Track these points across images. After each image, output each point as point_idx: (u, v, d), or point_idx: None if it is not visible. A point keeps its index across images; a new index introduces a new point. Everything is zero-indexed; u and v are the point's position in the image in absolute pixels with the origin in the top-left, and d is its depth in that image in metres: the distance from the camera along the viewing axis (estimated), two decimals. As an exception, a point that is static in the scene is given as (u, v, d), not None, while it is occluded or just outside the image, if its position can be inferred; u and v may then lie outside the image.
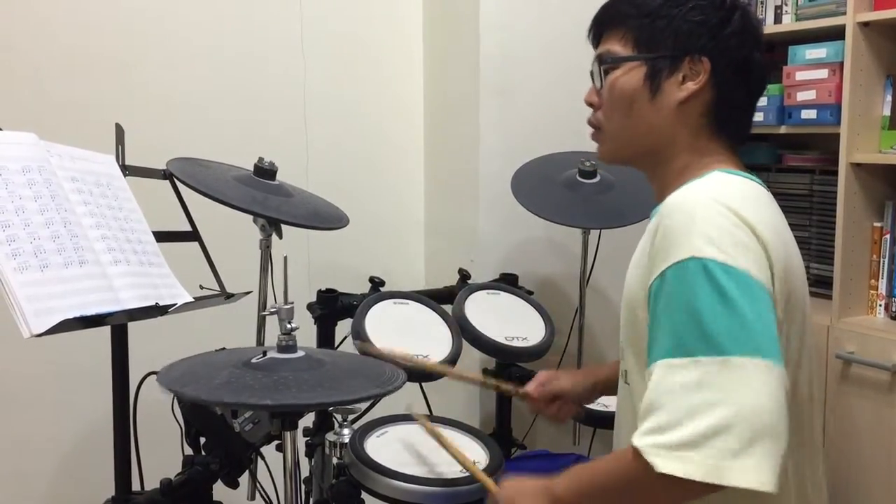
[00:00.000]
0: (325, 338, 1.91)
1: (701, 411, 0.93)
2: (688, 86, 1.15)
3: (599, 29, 1.23)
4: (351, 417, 1.59)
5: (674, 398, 0.95)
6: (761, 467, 0.92)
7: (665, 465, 0.93)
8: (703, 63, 1.14)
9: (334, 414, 1.68)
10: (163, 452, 1.61)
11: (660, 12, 1.15)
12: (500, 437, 2.07)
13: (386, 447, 1.54)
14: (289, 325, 1.32)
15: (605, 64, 1.19)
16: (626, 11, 1.18)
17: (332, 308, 1.89)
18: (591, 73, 1.23)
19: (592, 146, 1.28)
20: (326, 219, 1.84)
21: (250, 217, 1.72)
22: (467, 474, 1.45)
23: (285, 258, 1.37)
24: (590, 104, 1.25)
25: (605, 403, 1.77)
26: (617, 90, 1.18)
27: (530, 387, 1.47)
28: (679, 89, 1.15)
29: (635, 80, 1.17)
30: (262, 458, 1.74)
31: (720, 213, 1.02)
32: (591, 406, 1.79)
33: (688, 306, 0.98)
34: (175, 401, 1.54)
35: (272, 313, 1.34)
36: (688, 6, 1.15)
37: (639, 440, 0.97)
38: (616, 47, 1.19)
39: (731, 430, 0.92)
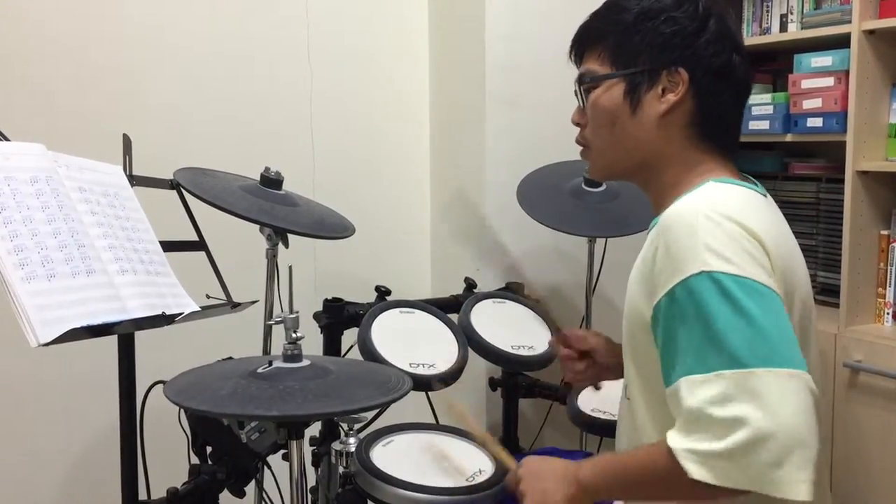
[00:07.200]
0: (332, 347, 1.91)
1: (730, 426, 0.93)
2: (668, 98, 1.15)
3: (580, 49, 1.25)
4: (357, 426, 1.59)
5: (702, 414, 0.95)
6: (796, 478, 0.92)
7: (700, 473, 0.94)
8: (679, 74, 1.14)
9: (340, 423, 1.67)
10: (169, 461, 1.61)
11: (634, 27, 1.16)
12: (506, 445, 2.06)
13: (392, 456, 1.53)
14: (294, 335, 1.32)
15: (585, 83, 1.21)
16: (603, 29, 1.20)
17: (339, 317, 1.89)
18: (576, 94, 1.25)
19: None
20: (333, 228, 1.84)
21: (257, 226, 1.72)
22: (474, 483, 1.44)
23: (290, 267, 1.37)
24: (577, 124, 1.26)
25: (611, 412, 1.76)
26: (599, 108, 1.20)
27: (571, 331, 1.47)
28: (659, 102, 1.15)
29: (616, 96, 1.18)
30: (269, 467, 1.74)
31: (720, 224, 1.02)
32: (596, 415, 1.78)
33: (703, 322, 0.98)
34: (182, 410, 1.55)
35: (278, 322, 1.34)
36: (660, 19, 1.15)
37: (673, 441, 0.97)
38: (595, 66, 1.20)
39: (762, 443, 0.91)
